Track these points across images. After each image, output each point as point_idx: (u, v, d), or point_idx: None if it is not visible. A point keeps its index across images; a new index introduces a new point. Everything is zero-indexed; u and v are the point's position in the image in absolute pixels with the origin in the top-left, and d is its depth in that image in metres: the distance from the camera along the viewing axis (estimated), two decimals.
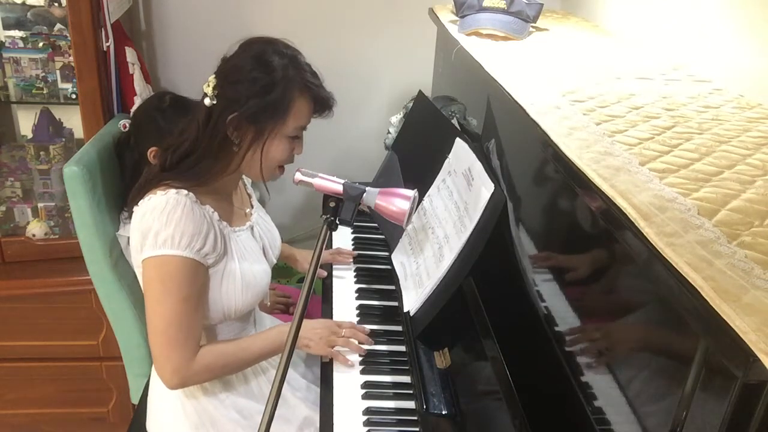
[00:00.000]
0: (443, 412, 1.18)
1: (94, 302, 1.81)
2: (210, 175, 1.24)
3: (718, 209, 0.78)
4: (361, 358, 1.35)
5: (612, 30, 1.84)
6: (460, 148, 1.44)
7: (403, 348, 1.39)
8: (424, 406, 1.18)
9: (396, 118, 1.89)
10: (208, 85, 1.20)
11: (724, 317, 0.59)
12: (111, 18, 1.75)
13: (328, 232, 1.14)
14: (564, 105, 1.15)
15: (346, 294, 1.58)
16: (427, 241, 1.45)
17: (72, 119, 1.97)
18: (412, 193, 1.17)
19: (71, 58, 1.79)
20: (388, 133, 1.90)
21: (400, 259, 1.56)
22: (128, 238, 1.30)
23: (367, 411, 1.23)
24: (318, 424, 1.26)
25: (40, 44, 1.85)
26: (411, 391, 1.27)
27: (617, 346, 0.86)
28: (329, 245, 1.73)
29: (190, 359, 1.21)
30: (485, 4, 1.66)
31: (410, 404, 1.25)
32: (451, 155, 1.48)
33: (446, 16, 1.88)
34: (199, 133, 1.22)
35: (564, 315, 1.02)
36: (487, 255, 1.23)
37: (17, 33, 1.84)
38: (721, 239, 0.71)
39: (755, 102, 1.21)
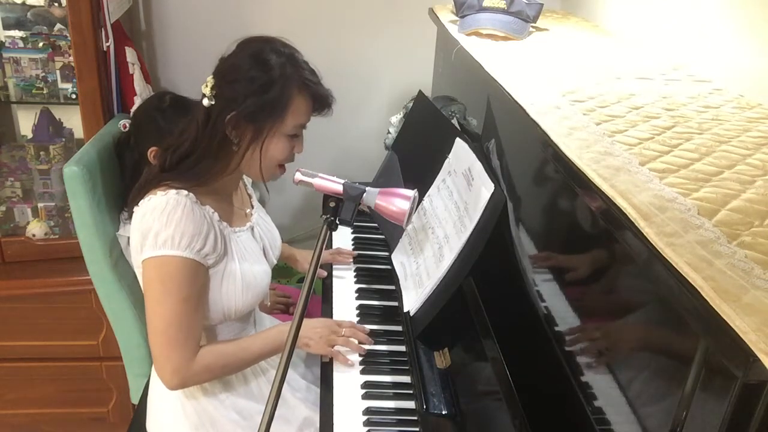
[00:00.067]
0: (443, 412, 1.18)
1: (94, 302, 1.81)
2: (210, 176, 1.24)
3: (718, 209, 0.78)
4: (361, 358, 1.35)
5: (612, 30, 1.84)
6: (460, 148, 1.44)
7: (403, 348, 1.39)
8: (424, 406, 1.18)
9: (396, 118, 1.89)
10: (206, 86, 1.20)
11: (724, 317, 0.59)
12: (111, 18, 1.75)
13: (328, 232, 1.14)
14: (564, 105, 1.15)
15: (346, 294, 1.58)
16: (427, 241, 1.45)
17: (72, 119, 1.97)
18: (412, 193, 1.17)
19: (71, 58, 1.79)
20: (388, 133, 1.90)
21: (400, 259, 1.56)
22: (128, 238, 1.30)
23: (367, 411, 1.23)
24: (318, 425, 1.26)
25: (40, 44, 1.85)
26: (411, 391, 1.27)
27: (617, 346, 0.86)
28: (329, 245, 1.73)
29: (190, 360, 1.21)
30: (485, 4, 1.66)
31: (410, 404, 1.25)
32: (451, 155, 1.48)
33: (446, 16, 1.88)
34: (199, 133, 1.21)
35: (564, 315, 1.02)
36: (487, 255, 1.22)
37: (17, 33, 1.84)
38: (721, 239, 0.71)
39: (755, 102, 1.21)
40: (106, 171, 1.60)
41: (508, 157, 1.35)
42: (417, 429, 1.20)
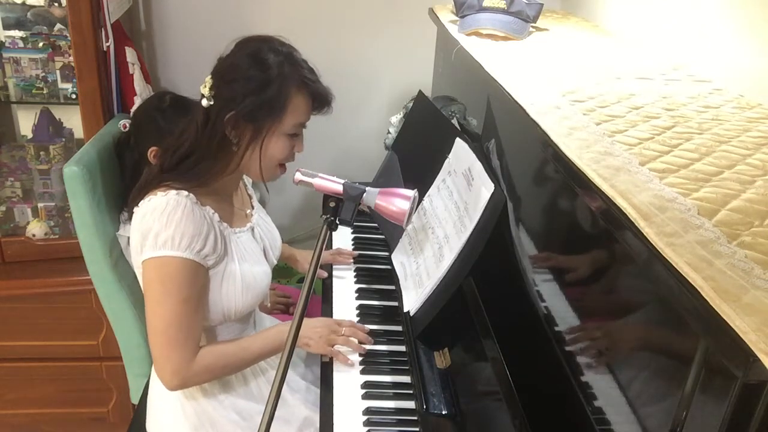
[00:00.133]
0: (443, 412, 1.18)
1: (94, 302, 1.81)
2: (210, 176, 1.24)
3: (718, 209, 0.78)
4: (361, 358, 1.35)
5: (612, 30, 1.84)
6: (460, 148, 1.44)
7: (403, 348, 1.39)
8: (424, 406, 1.18)
9: (396, 118, 1.89)
10: (205, 86, 1.20)
11: (724, 317, 0.59)
12: (111, 18, 1.75)
13: (328, 232, 1.14)
14: (564, 105, 1.15)
15: (346, 294, 1.58)
16: (427, 241, 1.45)
17: (72, 119, 1.97)
18: (412, 193, 1.17)
19: (71, 58, 1.79)
20: (388, 133, 1.90)
21: (400, 259, 1.56)
22: (128, 238, 1.30)
23: (367, 411, 1.23)
24: (318, 425, 1.26)
25: (40, 44, 1.85)
26: (411, 391, 1.27)
27: (617, 346, 0.86)
28: (329, 245, 1.73)
29: (189, 360, 1.21)
30: (485, 4, 1.66)
31: (410, 404, 1.25)
32: (451, 155, 1.48)
33: (446, 16, 1.88)
34: (198, 134, 1.21)
35: (564, 315, 1.02)
36: (487, 255, 1.22)
37: (17, 33, 1.84)
38: (721, 239, 0.71)
39: (755, 102, 1.21)
40: (106, 171, 1.60)
41: (508, 157, 1.35)
42: (417, 429, 1.20)
